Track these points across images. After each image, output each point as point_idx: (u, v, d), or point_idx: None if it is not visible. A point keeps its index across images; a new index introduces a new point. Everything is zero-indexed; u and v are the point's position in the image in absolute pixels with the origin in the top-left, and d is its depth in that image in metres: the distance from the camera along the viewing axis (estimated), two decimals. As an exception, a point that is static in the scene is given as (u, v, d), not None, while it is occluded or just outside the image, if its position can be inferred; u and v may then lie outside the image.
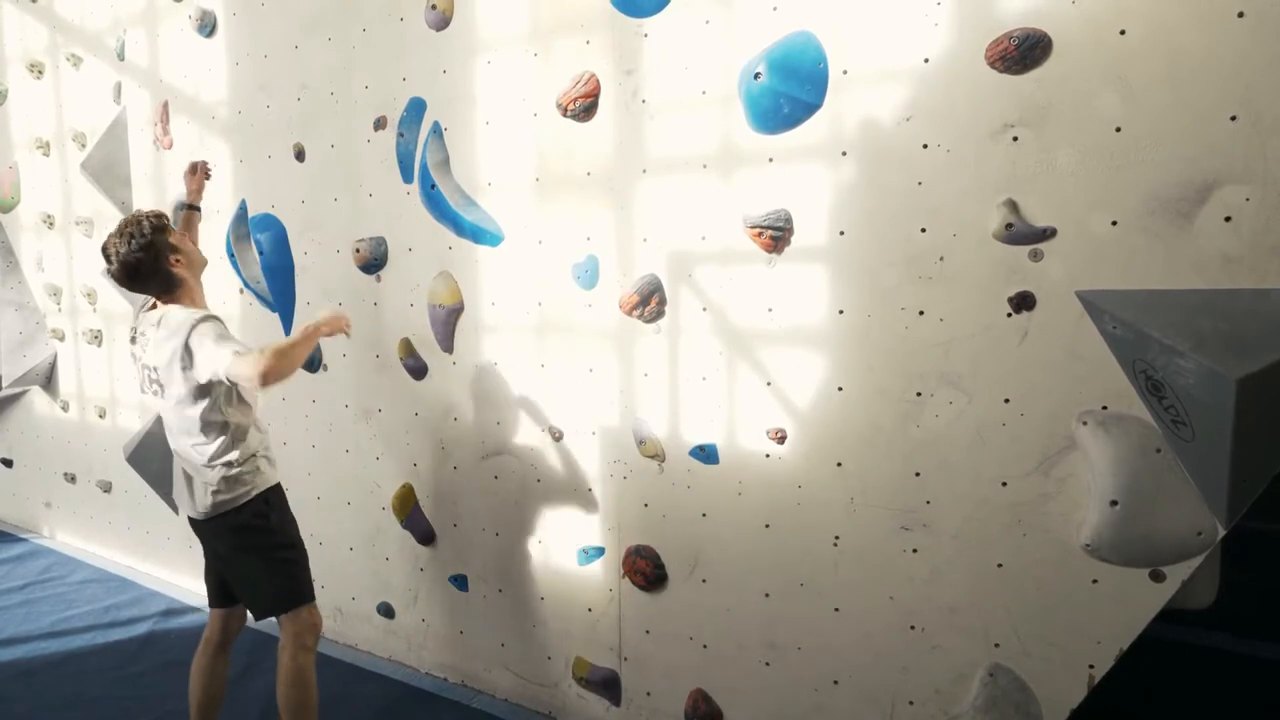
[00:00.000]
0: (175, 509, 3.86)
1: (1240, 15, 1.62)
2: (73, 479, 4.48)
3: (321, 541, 3.34)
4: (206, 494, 2.29)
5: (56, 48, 4.05)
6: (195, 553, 3.85)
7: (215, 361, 2.11)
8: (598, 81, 2.42)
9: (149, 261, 2.26)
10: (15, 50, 4.28)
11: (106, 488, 4.25)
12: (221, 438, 2.27)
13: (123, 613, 3.67)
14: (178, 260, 2.31)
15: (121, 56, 3.71)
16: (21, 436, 4.76)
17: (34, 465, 4.73)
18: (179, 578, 3.97)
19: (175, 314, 2.26)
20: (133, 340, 2.39)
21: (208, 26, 3.34)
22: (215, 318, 2.25)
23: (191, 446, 2.28)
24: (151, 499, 3.97)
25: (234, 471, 2.29)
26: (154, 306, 2.36)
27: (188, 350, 2.17)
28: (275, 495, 2.40)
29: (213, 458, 2.27)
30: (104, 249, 2.28)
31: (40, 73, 4.15)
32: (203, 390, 2.22)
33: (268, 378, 2.03)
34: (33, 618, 3.63)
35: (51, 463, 4.60)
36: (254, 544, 2.32)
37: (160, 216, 2.33)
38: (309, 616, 2.35)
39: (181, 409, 2.26)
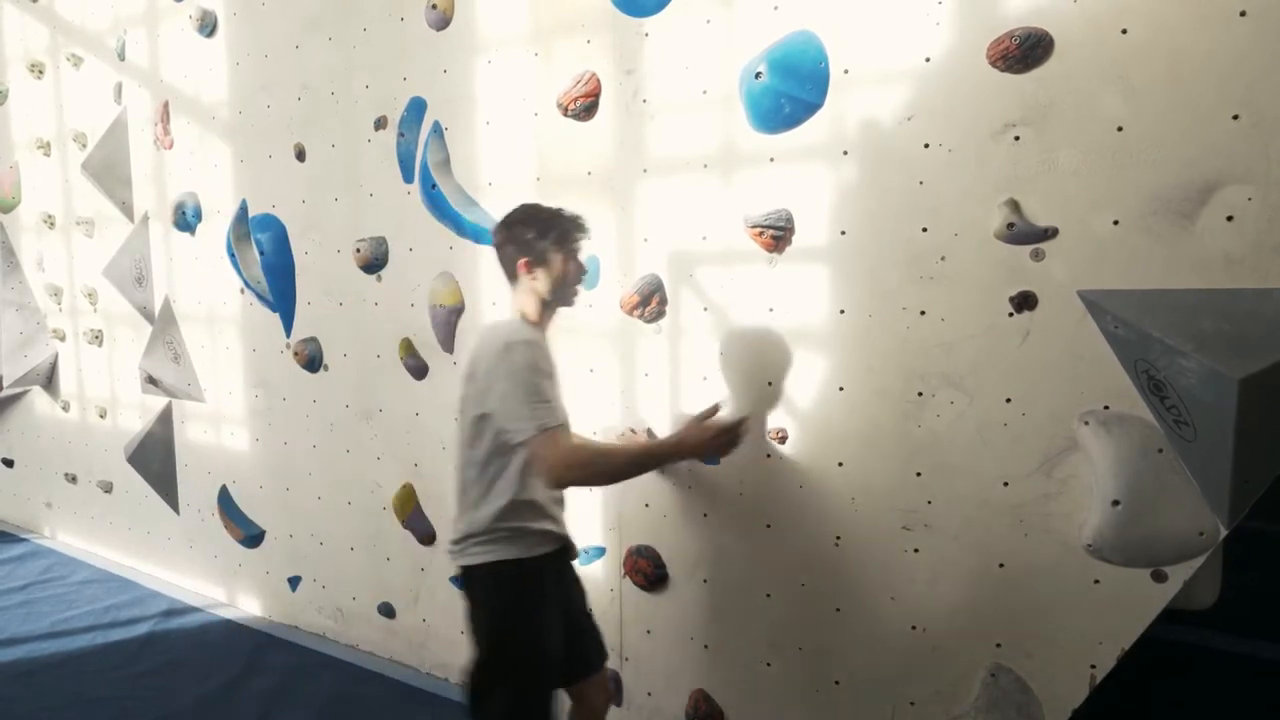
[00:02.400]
0: (176, 509, 3.87)
1: (1242, 14, 1.61)
2: (73, 479, 4.48)
3: (322, 542, 3.34)
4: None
5: (57, 48, 4.05)
6: (195, 553, 3.87)
7: None
8: (598, 81, 2.41)
9: (510, 255, 1.99)
10: (16, 50, 4.28)
11: (107, 488, 4.25)
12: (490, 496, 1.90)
13: (123, 613, 3.67)
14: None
15: (122, 56, 3.71)
16: (22, 437, 4.76)
17: (35, 465, 4.73)
18: (180, 578, 3.97)
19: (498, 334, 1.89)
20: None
21: (208, 26, 3.34)
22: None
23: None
24: (152, 499, 3.97)
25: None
26: None
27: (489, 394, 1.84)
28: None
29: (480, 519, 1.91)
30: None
31: (41, 73, 4.15)
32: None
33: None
34: (33, 618, 3.63)
35: (52, 463, 4.60)
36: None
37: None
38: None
39: (470, 457, 1.92)
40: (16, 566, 4.28)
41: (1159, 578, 1.79)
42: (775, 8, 2.12)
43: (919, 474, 2.04)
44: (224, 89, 3.36)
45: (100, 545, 4.43)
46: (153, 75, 3.60)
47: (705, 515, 2.38)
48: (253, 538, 3.59)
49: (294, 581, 3.48)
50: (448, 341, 2.83)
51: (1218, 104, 1.64)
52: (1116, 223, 1.75)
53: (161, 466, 3.91)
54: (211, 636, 3.46)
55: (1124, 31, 1.71)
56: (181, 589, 3.92)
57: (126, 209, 3.83)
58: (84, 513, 4.48)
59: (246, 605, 3.69)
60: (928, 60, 1.93)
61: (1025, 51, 1.80)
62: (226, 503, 3.66)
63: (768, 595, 2.30)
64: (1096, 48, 1.74)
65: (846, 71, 2.04)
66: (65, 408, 4.42)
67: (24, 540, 4.71)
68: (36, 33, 4.15)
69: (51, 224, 4.27)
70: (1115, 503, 1.78)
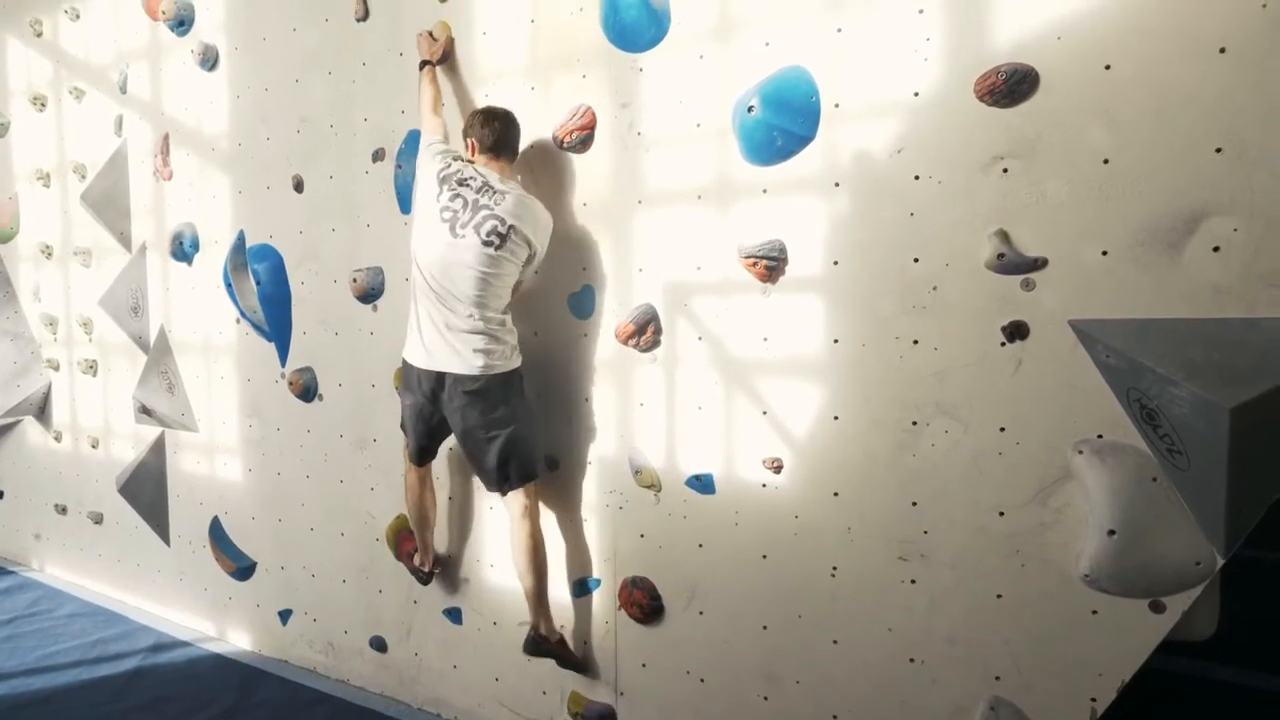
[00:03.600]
0: (167, 540, 3.83)
1: (1222, 51, 1.65)
2: (63, 510, 4.43)
3: (314, 574, 3.30)
4: (466, 352, 2.39)
5: (60, 81, 4.10)
6: (185, 585, 3.82)
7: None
8: (594, 114, 2.45)
9: (517, 134, 2.50)
10: (19, 84, 4.33)
11: (98, 519, 4.21)
12: (507, 314, 2.46)
13: (110, 647, 3.62)
14: None
15: (124, 90, 3.75)
16: (13, 467, 4.73)
17: (25, 496, 4.69)
18: (169, 611, 3.92)
19: (538, 206, 2.44)
20: (458, 177, 2.42)
21: (210, 61, 3.39)
22: None
23: (480, 315, 2.38)
24: (143, 530, 3.93)
25: (503, 347, 2.43)
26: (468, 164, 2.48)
27: (531, 247, 2.39)
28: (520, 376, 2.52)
29: (498, 329, 2.42)
30: (485, 112, 2.47)
31: (43, 105, 4.19)
32: (513, 279, 2.43)
33: None
34: (18, 653, 3.57)
35: (42, 494, 4.56)
36: (516, 408, 2.48)
37: None
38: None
39: (484, 282, 2.35)
40: (3, 600, 4.22)
41: (1157, 608, 1.79)
42: (767, 44, 2.16)
43: (915, 503, 2.03)
44: (224, 122, 3.39)
45: (89, 578, 4.37)
46: (154, 108, 3.65)
47: (700, 546, 2.37)
48: (244, 570, 3.55)
49: (285, 615, 3.43)
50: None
51: (1201, 137, 1.67)
52: (1105, 253, 1.77)
53: (153, 497, 3.88)
54: (200, 671, 3.40)
55: (1107, 67, 1.75)
56: (170, 622, 3.86)
57: (124, 239, 3.84)
58: (73, 544, 4.43)
59: (236, 639, 3.64)
60: (916, 95, 1.96)
61: (1012, 86, 1.83)
62: (218, 534, 3.63)
63: (764, 627, 2.28)
64: (1081, 83, 1.78)
65: (837, 105, 2.07)
66: (57, 438, 4.40)
67: (11, 573, 4.65)
68: (40, 66, 4.20)
69: (49, 254, 4.28)
70: (1111, 532, 1.78)
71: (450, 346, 2.40)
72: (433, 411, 2.53)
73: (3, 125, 4.45)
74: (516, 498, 2.49)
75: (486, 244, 2.33)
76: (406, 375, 2.56)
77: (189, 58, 3.44)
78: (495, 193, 2.37)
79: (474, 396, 2.41)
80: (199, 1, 3.41)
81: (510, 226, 2.34)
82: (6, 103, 4.43)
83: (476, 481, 2.79)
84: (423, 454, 2.70)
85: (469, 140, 2.48)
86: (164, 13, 3.46)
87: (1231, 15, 1.64)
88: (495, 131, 2.44)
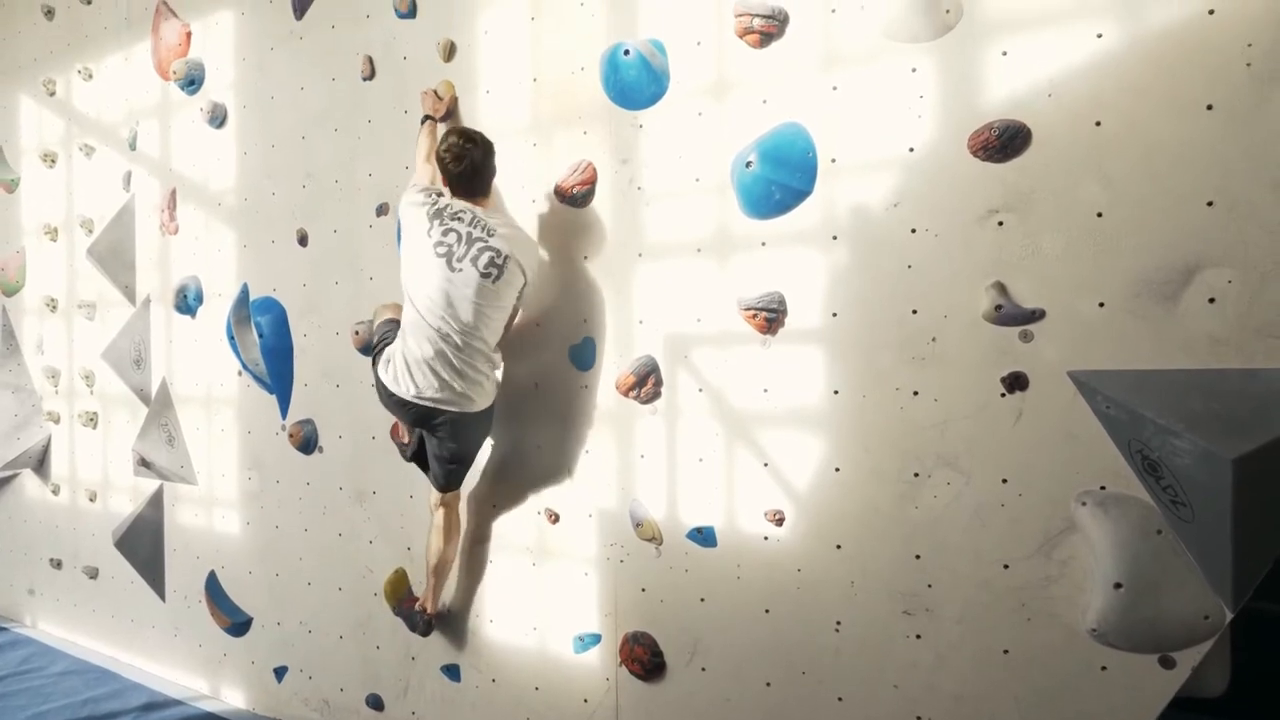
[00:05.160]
0: (162, 595, 3.78)
1: (1209, 108, 1.69)
2: (58, 565, 4.39)
3: (311, 630, 3.25)
4: (456, 386, 2.44)
5: (71, 138, 4.18)
6: (180, 642, 3.76)
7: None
8: (595, 170, 2.49)
9: (490, 172, 2.53)
10: (31, 141, 4.42)
11: (93, 574, 4.16)
12: (495, 352, 2.53)
13: (101, 706, 3.54)
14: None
15: (133, 146, 3.82)
16: (10, 521, 4.69)
17: (20, 551, 4.64)
18: (162, 669, 3.84)
19: (526, 234, 2.53)
20: (449, 212, 2.44)
21: (218, 118, 3.46)
22: None
23: (471, 349, 2.43)
24: (138, 586, 3.88)
25: (488, 383, 2.52)
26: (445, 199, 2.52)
27: (524, 273, 2.44)
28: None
29: (483, 364, 2.47)
30: (451, 148, 2.44)
31: (53, 162, 4.27)
32: (509, 311, 2.50)
33: None
34: (7, 713, 3.49)
35: (38, 548, 4.52)
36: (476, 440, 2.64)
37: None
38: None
39: (480, 313, 2.40)
40: (-6, 657, 4.14)
41: (1167, 664, 1.76)
42: (764, 101, 2.21)
43: (918, 556, 2.01)
44: (231, 177, 3.45)
45: (82, 634, 4.30)
46: (162, 164, 3.71)
47: (702, 600, 2.33)
48: (239, 625, 3.50)
49: (280, 672, 3.37)
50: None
51: (1192, 191, 1.70)
52: (1102, 304, 1.79)
53: (150, 551, 3.84)
54: (192, 731, 3.33)
55: (1098, 124, 1.79)
56: (164, 680, 3.78)
57: (129, 292, 3.88)
58: (67, 600, 4.37)
59: (230, 697, 3.57)
60: (911, 150, 2.00)
61: (1004, 142, 1.87)
62: (214, 589, 3.58)
63: (767, 684, 2.24)
64: (1073, 139, 1.82)
65: (834, 161, 2.11)
66: (55, 491, 4.37)
67: (3, 630, 4.57)
68: (52, 124, 4.29)
69: (54, 307, 4.32)
70: (1117, 585, 1.76)
71: (438, 380, 2.43)
72: (418, 428, 2.64)
73: (13, 180, 4.53)
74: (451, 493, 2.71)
75: (485, 276, 2.36)
76: (387, 399, 2.57)
77: (198, 116, 3.52)
78: (485, 225, 2.41)
79: (451, 427, 2.51)
80: (210, 62, 3.50)
81: (506, 257, 2.38)
82: (17, 159, 4.51)
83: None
84: (443, 480, 2.70)
85: (440, 177, 2.52)
86: (175, 72, 3.55)
87: (1217, 74, 1.69)
88: (463, 182, 2.47)
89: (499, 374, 2.56)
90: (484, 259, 2.37)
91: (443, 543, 2.72)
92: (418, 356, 2.44)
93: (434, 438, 2.56)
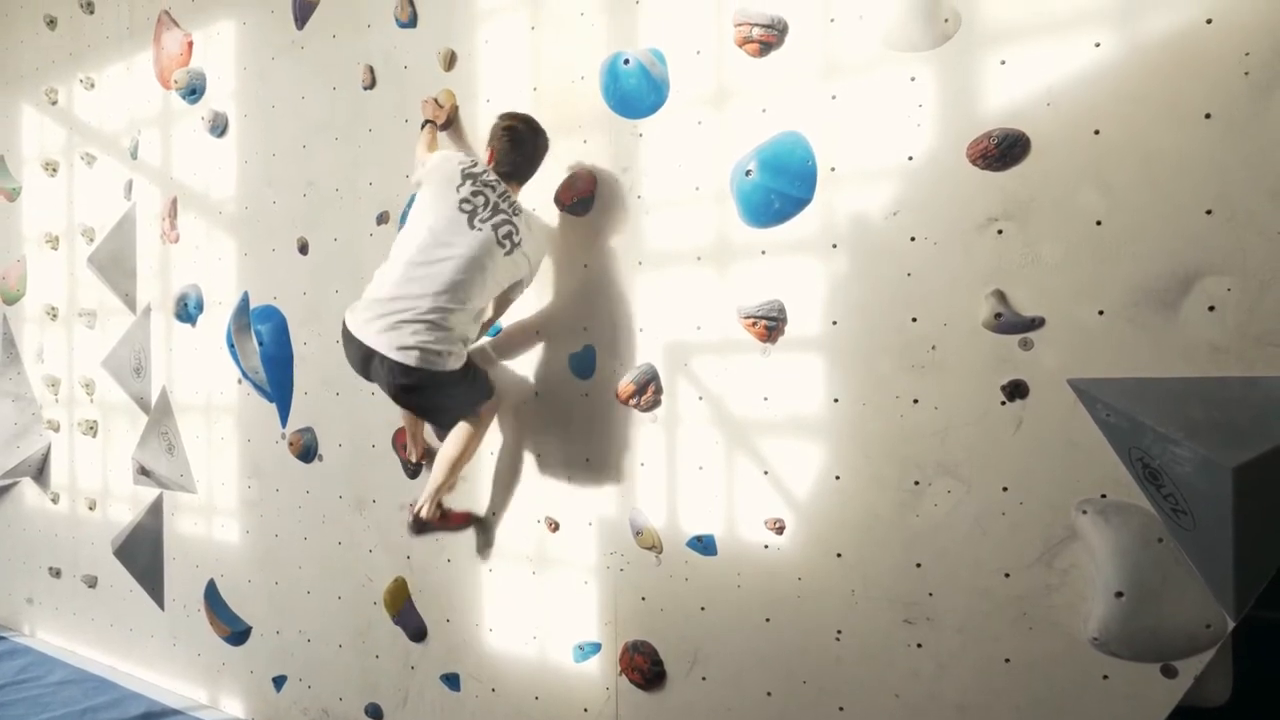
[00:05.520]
0: (161, 604, 3.77)
1: (1207, 116, 1.70)
2: (57, 573, 4.38)
3: (310, 639, 3.24)
4: (415, 345, 2.30)
5: (72, 147, 4.20)
6: (178, 651, 3.75)
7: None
8: (595, 178, 2.50)
9: (539, 161, 2.50)
10: (33, 150, 4.43)
11: (91, 583, 4.15)
12: (476, 321, 2.44)
13: (100, 715, 3.52)
14: None
15: (134, 155, 3.83)
16: (9, 529, 4.68)
17: (19, 559, 4.63)
18: (161, 678, 3.83)
19: (542, 233, 2.51)
20: (484, 177, 2.41)
21: (219, 127, 3.47)
22: None
23: (449, 302, 2.32)
24: (137, 594, 3.88)
25: (459, 350, 2.38)
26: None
27: (530, 269, 2.44)
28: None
29: (456, 326, 2.36)
30: (511, 127, 2.44)
31: (54, 171, 4.28)
32: (499, 294, 2.46)
33: None
34: (5, 721, 3.48)
35: (37, 556, 4.51)
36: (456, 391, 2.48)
37: None
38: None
39: (478, 275, 2.33)
40: (-8, 666, 4.13)
41: (1169, 673, 1.75)
42: (763, 110, 2.22)
43: (919, 564, 2.01)
44: (232, 186, 3.46)
45: (80, 643, 4.29)
46: (163, 173, 3.72)
47: (702, 608, 2.33)
48: (238, 634, 3.49)
49: (279, 681, 3.36)
50: (443, 431, 2.82)
51: (1191, 199, 1.71)
52: (1102, 312, 1.79)
53: (149, 560, 3.83)
54: (190, 740, 3.32)
55: (1096, 132, 1.80)
56: (162, 689, 3.77)
57: (129, 301, 3.88)
58: (65, 609, 4.36)
59: (229, 706, 3.55)
60: (910, 159, 2.01)
61: (1003, 151, 1.87)
62: (213, 597, 3.57)
63: (768, 693, 2.23)
64: (1071, 147, 1.82)
65: (833, 169, 2.12)
66: (55, 499, 4.37)
67: (1, 639, 4.56)
68: (54, 133, 4.31)
69: (54, 315, 4.32)
70: (1119, 594, 1.75)
71: (396, 329, 2.30)
72: (367, 378, 2.48)
73: (14, 190, 4.54)
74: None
75: (500, 245, 2.34)
76: (345, 337, 2.44)
77: (199, 124, 3.53)
78: (514, 204, 2.41)
79: (405, 391, 2.41)
80: (211, 71, 3.52)
81: (521, 240, 2.38)
82: (19, 168, 4.52)
83: (460, 542, 2.77)
84: None
85: (490, 149, 2.49)
86: (176, 82, 3.56)
87: (1216, 83, 1.69)
88: (514, 162, 2.46)
89: (469, 342, 2.42)
90: (504, 229, 2.35)
91: (455, 452, 2.55)
92: (381, 294, 2.36)
93: (395, 399, 2.50)
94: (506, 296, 2.52)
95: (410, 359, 2.29)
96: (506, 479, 2.72)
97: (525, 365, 2.64)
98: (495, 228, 2.35)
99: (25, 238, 4.49)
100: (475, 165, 2.45)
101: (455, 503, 2.74)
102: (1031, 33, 1.87)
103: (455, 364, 2.37)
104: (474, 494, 2.77)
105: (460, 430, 2.54)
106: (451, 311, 2.32)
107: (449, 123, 2.78)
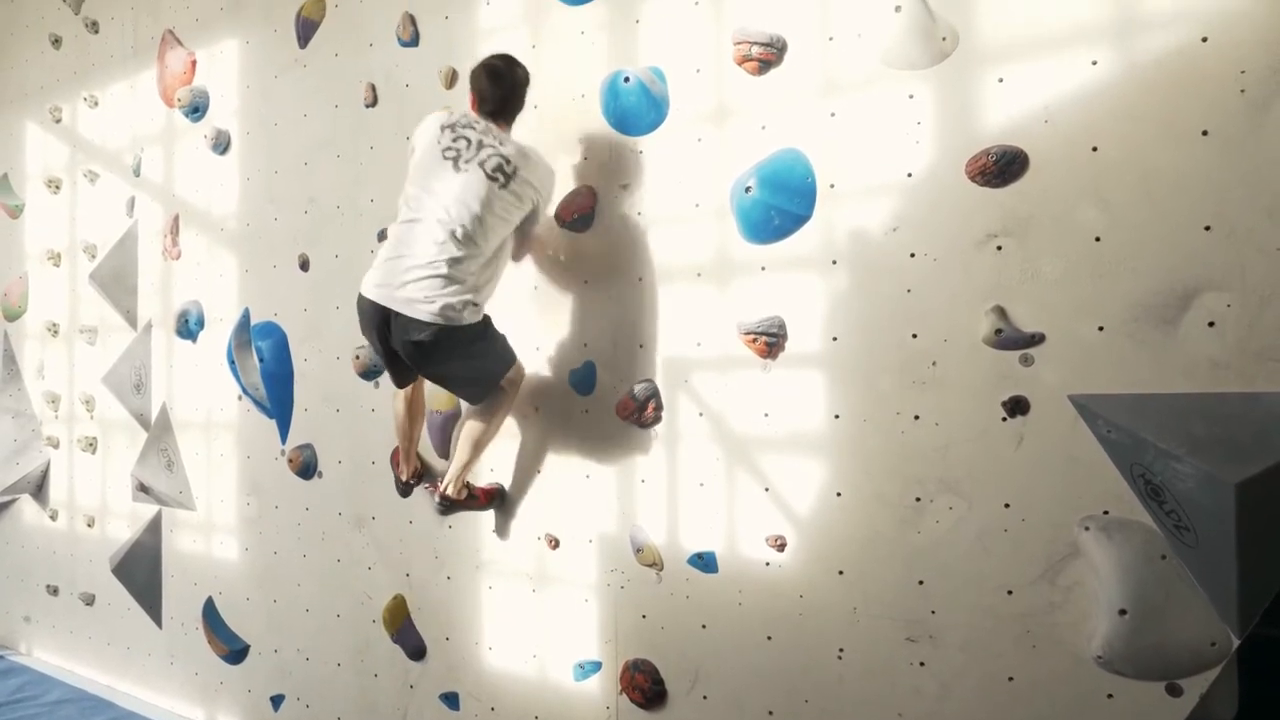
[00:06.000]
0: (159, 622, 3.75)
1: (1204, 134, 1.70)
2: (55, 591, 4.35)
3: (309, 657, 3.22)
4: (426, 298, 2.26)
5: (75, 165, 4.22)
6: (176, 669, 3.72)
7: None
8: (595, 195, 2.51)
9: (523, 96, 2.46)
10: (36, 167, 4.46)
11: (89, 600, 4.13)
12: (489, 268, 2.37)
13: (96, 735, 3.50)
14: None
15: (137, 173, 3.85)
16: (7, 547, 4.66)
17: (16, 577, 4.61)
18: (158, 697, 3.80)
19: (542, 156, 2.42)
20: (463, 123, 2.37)
21: (222, 145, 3.49)
22: None
23: (456, 249, 2.27)
24: (135, 612, 3.85)
25: (474, 301, 2.33)
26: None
27: (538, 194, 2.38)
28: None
29: (472, 277, 2.31)
30: (489, 65, 2.42)
31: (57, 188, 4.30)
32: (513, 226, 2.39)
33: None
34: (1, 741, 3.45)
35: (34, 574, 4.49)
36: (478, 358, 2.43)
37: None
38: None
39: (481, 216, 2.28)
40: (-12, 685, 4.10)
41: (1174, 691, 1.74)
42: (763, 127, 2.23)
43: (921, 582, 2.00)
44: (234, 203, 3.47)
45: (77, 662, 4.26)
46: (165, 190, 3.74)
47: (704, 627, 2.31)
48: (236, 653, 3.46)
49: (277, 700, 3.33)
50: (443, 447, 2.82)
51: (1189, 216, 1.71)
52: (1102, 328, 1.79)
53: (147, 577, 3.81)
54: (187, 761, 3.28)
55: (1095, 149, 1.80)
56: (159, 709, 3.74)
57: (130, 317, 3.89)
58: (63, 627, 4.33)
59: (225, 726, 3.53)
60: (909, 175, 2.02)
61: (1002, 167, 1.88)
62: (211, 616, 3.55)
63: (770, 713, 2.21)
64: (1070, 164, 1.83)
65: (832, 186, 2.12)
66: (53, 516, 4.35)
67: (-2, 657, 4.53)
68: (57, 151, 4.33)
69: (55, 332, 4.33)
70: (1122, 611, 1.74)
71: (407, 286, 2.27)
72: (387, 347, 2.40)
73: (17, 206, 4.56)
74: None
75: (492, 179, 2.28)
76: (359, 305, 2.41)
77: (201, 142, 3.55)
78: (498, 136, 2.36)
79: (423, 352, 2.32)
80: (214, 89, 3.54)
81: (515, 167, 2.32)
82: (23, 185, 4.55)
83: (460, 560, 2.75)
84: (400, 379, 2.59)
85: (472, 95, 2.45)
86: (179, 100, 3.59)
87: (1213, 100, 1.70)
88: (497, 98, 2.41)
89: (488, 291, 2.39)
90: (492, 163, 2.29)
91: (479, 435, 2.50)
92: (392, 254, 2.34)
93: (415, 365, 2.42)
94: (523, 230, 2.45)
95: (423, 313, 2.25)
96: (504, 497, 2.71)
97: (525, 382, 2.63)
98: (482, 164, 2.29)
99: (28, 254, 4.51)
100: (453, 115, 2.41)
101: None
102: (1029, 51, 1.89)
103: (471, 317, 2.32)
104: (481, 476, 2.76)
105: (484, 405, 2.51)
106: (460, 260, 2.27)
107: None
